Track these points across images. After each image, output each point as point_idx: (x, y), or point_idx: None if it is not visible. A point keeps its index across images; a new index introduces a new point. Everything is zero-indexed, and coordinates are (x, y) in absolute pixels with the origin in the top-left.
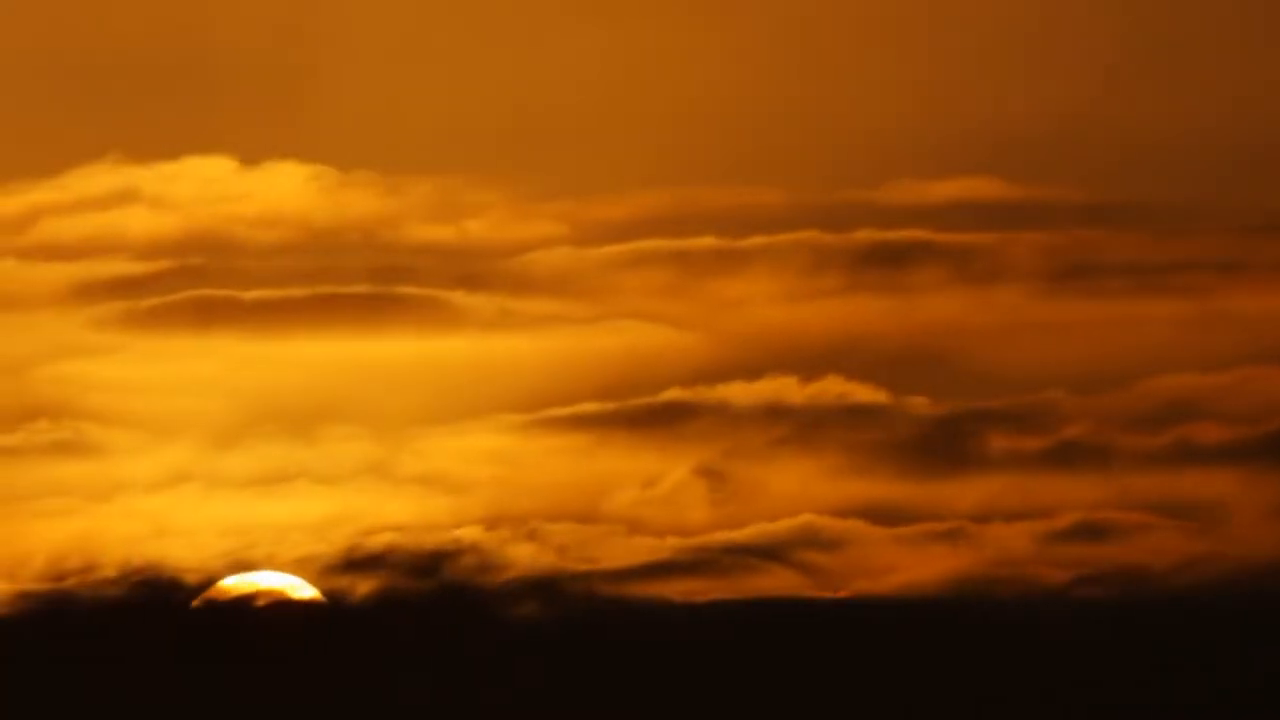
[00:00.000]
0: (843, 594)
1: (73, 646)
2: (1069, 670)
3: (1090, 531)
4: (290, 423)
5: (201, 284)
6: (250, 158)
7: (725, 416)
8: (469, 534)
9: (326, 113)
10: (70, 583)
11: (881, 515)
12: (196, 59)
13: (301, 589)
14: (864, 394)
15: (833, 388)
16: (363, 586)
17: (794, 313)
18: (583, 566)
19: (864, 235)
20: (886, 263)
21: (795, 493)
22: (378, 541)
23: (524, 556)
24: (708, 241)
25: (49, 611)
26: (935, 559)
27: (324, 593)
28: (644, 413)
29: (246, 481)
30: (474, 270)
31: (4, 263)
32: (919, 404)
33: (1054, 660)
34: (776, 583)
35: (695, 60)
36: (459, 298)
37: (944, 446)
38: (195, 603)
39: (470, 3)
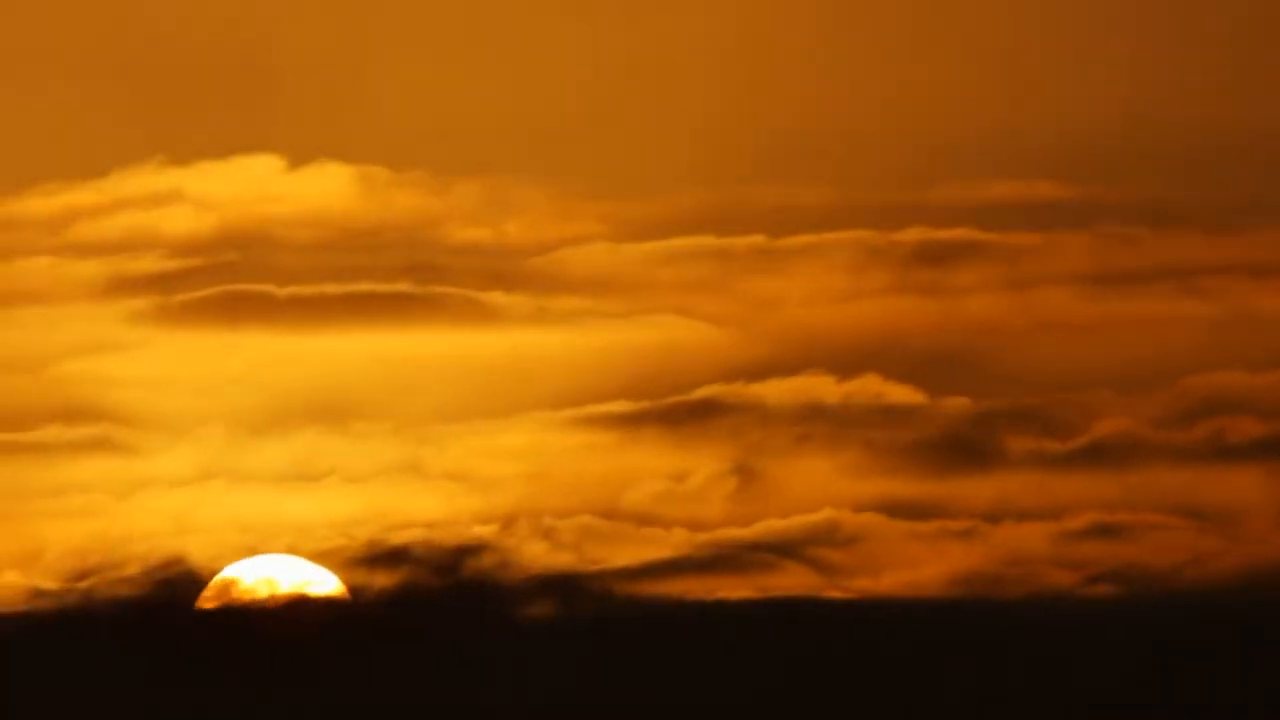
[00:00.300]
0: (863, 593)
1: (93, 643)
2: (1106, 671)
3: (1112, 530)
4: (320, 419)
5: (235, 280)
6: (298, 158)
7: (759, 414)
8: (494, 531)
9: (377, 113)
10: (93, 579)
11: (904, 513)
12: (252, 60)
13: (320, 582)
14: (900, 394)
15: (869, 387)
16: (384, 582)
17: (836, 311)
18: (609, 564)
19: (911, 235)
20: (933, 263)
21: (819, 492)
22: (402, 537)
23: (549, 554)
24: (751, 240)
25: (71, 608)
26: (962, 557)
27: (345, 587)
28: (678, 410)
29: (274, 477)
30: (512, 268)
31: (38, 260)
32: (955, 404)
33: (1095, 661)
34: (793, 581)
35: (746, 59)
36: (496, 296)
37: (976, 446)
38: (210, 601)
39: (518, 4)
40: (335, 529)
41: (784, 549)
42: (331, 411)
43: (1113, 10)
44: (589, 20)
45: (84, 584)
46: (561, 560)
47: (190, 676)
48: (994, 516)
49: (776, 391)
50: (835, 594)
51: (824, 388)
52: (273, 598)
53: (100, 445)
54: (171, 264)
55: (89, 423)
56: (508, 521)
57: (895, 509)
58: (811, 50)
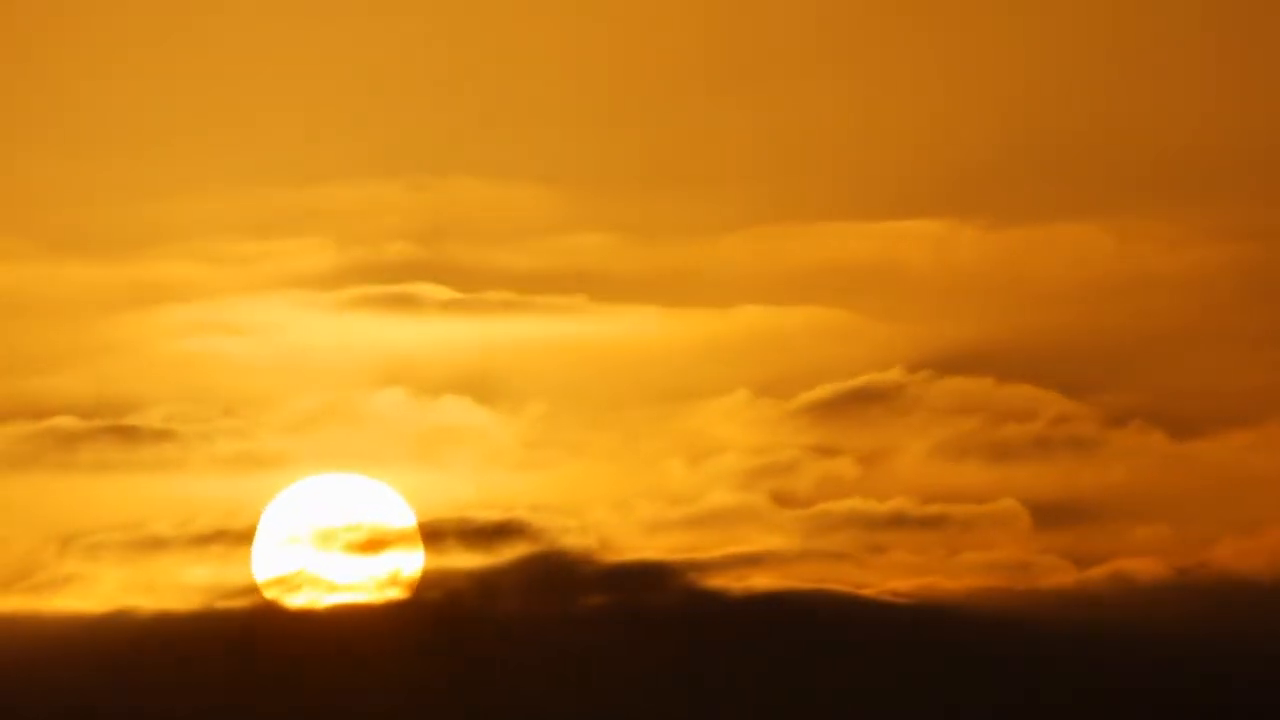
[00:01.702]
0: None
1: (208, 641)
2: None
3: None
4: (454, 408)
5: (397, 280)
6: (500, 175)
7: (907, 415)
8: (598, 517)
9: (583, 135)
10: (213, 569)
11: (1032, 513)
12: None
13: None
14: (1059, 402)
15: (1026, 393)
16: (475, 561)
17: (1014, 314)
18: (716, 553)
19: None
20: (1138, 266)
21: (935, 488)
22: (504, 517)
23: (662, 541)
24: (935, 227)
25: (196, 607)
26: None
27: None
28: (813, 406)
29: (387, 460)
30: (673, 265)
31: (204, 253)
32: (1099, 409)
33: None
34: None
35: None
36: (672, 299)
37: (1121, 453)
38: (291, 593)
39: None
40: (453, 508)
41: (889, 541)
42: (466, 399)
43: None
44: (769, 18)
45: (207, 577)
46: (675, 548)
47: (270, 671)
48: (1107, 519)
49: (932, 392)
50: (942, 587)
51: (981, 390)
52: (338, 601)
53: (225, 432)
54: (331, 260)
55: (214, 409)
56: (625, 508)
57: (1020, 504)
58: (1090, 47)
